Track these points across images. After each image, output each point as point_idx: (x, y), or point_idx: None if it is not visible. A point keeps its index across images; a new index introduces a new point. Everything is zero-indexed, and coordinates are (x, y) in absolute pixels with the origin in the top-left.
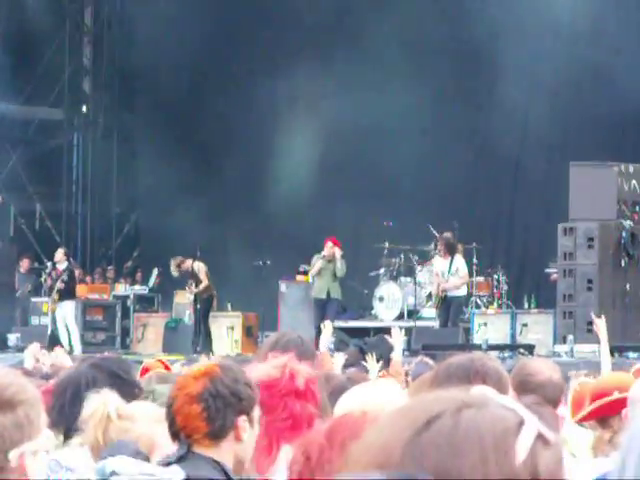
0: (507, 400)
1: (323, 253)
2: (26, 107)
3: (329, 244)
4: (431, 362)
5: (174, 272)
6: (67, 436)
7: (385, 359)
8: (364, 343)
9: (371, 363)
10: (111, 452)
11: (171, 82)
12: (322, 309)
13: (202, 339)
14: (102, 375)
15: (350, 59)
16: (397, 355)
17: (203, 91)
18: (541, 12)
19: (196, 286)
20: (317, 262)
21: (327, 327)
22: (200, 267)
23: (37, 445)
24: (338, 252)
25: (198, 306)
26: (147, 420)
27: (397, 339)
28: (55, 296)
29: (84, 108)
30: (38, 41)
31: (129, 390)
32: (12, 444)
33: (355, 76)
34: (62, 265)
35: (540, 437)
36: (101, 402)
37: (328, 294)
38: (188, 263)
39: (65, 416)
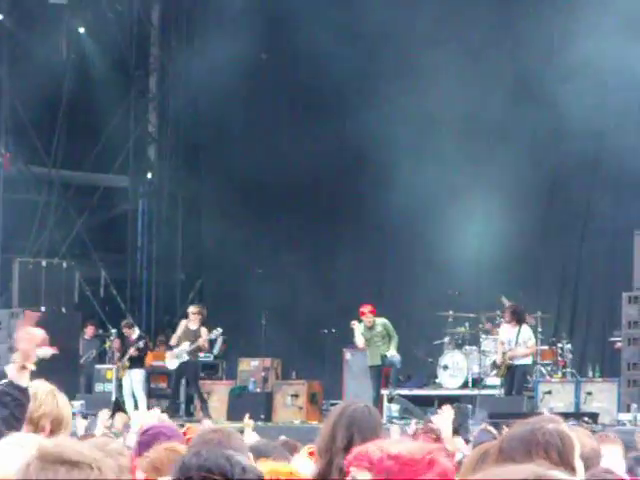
0: None
1: (365, 323)
2: (91, 174)
3: (369, 315)
4: (494, 431)
5: (192, 313)
6: None
7: (460, 427)
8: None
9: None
10: None
11: (236, 148)
12: (379, 376)
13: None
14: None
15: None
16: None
17: (269, 157)
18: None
19: (192, 344)
20: (358, 334)
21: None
22: (205, 332)
23: None
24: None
25: (187, 361)
26: None
27: (444, 419)
28: (126, 363)
29: (149, 175)
30: (103, 108)
31: None
32: None
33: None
34: (134, 334)
35: None
36: None
37: (382, 358)
38: (200, 322)
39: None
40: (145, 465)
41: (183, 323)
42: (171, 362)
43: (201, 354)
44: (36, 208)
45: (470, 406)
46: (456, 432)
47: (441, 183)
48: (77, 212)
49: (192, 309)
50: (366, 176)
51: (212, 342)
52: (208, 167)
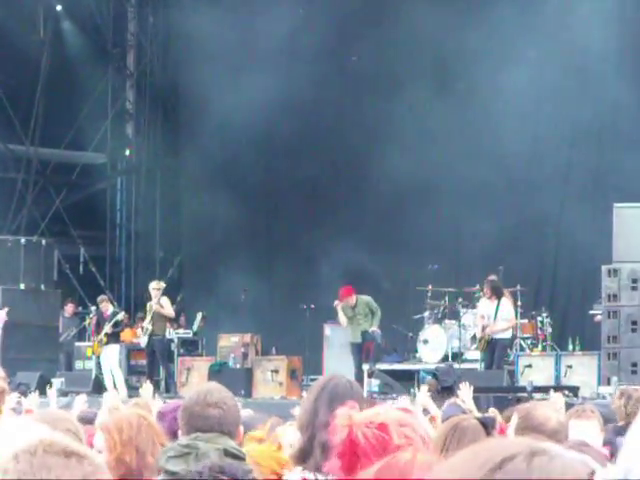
0: (576, 454)
1: (348, 303)
2: (69, 151)
3: (352, 295)
4: (463, 405)
5: (153, 289)
6: None
7: (454, 387)
8: (436, 370)
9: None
10: None
11: (215, 125)
12: (359, 352)
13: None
14: None
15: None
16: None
17: (248, 134)
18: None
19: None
20: (341, 314)
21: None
22: (166, 300)
23: None
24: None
25: (155, 336)
26: None
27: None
28: (104, 339)
29: (127, 152)
30: (81, 85)
31: None
32: None
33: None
34: (109, 309)
35: None
36: None
37: (363, 334)
38: (160, 296)
39: None
40: (109, 425)
41: (148, 305)
42: (142, 339)
43: (179, 330)
44: (14, 186)
45: (457, 365)
46: (450, 391)
47: (421, 159)
48: (56, 190)
49: (152, 285)
50: (344, 152)
51: (191, 319)
52: (187, 144)
